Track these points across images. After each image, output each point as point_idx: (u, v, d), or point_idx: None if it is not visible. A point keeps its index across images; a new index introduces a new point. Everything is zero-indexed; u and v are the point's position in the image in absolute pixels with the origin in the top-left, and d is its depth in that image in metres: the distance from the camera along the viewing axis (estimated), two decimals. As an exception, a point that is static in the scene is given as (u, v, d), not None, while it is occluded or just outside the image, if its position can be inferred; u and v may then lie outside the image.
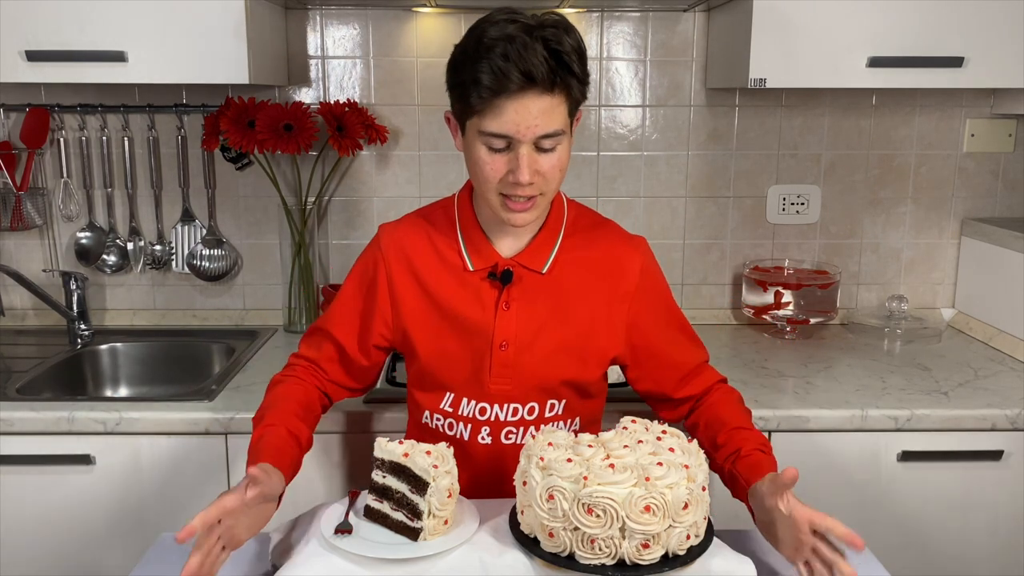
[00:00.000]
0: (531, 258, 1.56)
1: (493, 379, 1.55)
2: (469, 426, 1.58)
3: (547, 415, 1.59)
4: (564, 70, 1.36)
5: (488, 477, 1.58)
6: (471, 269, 1.56)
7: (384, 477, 1.36)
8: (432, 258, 1.59)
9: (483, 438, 1.58)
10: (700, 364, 1.68)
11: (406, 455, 1.34)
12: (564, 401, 1.60)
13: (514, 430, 1.58)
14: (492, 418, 1.57)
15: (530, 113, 1.36)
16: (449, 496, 1.33)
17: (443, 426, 1.61)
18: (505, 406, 1.57)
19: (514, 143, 1.39)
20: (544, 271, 1.56)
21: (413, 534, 1.33)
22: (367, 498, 1.39)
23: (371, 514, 1.38)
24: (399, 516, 1.35)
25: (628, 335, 1.62)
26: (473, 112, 1.39)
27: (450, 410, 1.60)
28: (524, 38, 1.33)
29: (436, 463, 1.32)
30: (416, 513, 1.32)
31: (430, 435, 1.63)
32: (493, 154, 1.41)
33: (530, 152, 1.40)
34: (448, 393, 1.59)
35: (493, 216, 1.52)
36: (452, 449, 1.38)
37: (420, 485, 1.32)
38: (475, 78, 1.35)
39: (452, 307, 1.56)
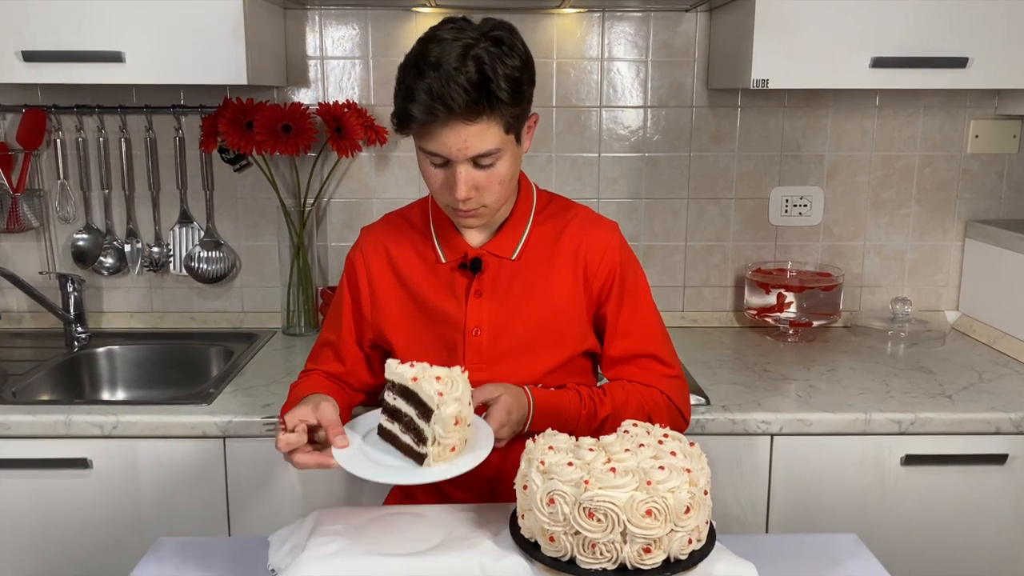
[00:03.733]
0: (500, 246, 1.63)
1: (468, 365, 1.57)
2: None
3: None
4: (489, 97, 1.41)
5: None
6: (443, 261, 1.63)
7: (395, 399, 1.38)
8: (410, 253, 1.66)
9: None
10: (654, 356, 1.67)
11: (415, 379, 1.35)
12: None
13: None
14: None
15: (459, 137, 1.43)
16: (456, 424, 1.33)
17: None
18: None
19: (450, 162, 1.47)
20: (514, 257, 1.62)
21: (419, 458, 1.35)
22: (380, 417, 1.41)
23: (384, 433, 1.41)
24: (407, 439, 1.36)
25: (598, 319, 1.67)
26: (412, 132, 1.47)
27: None
28: (450, 68, 1.38)
29: (442, 390, 1.32)
30: (422, 438, 1.33)
31: None
32: (435, 169, 1.50)
33: (467, 169, 1.47)
34: None
35: None
36: (467, 374, 1.39)
37: (425, 411, 1.33)
38: (406, 109, 1.43)
39: (427, 299, 1.63)
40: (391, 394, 1.39)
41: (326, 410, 1.41)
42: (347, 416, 1.62)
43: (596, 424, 1.57)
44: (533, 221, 1.65)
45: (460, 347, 1.61)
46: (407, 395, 1.36)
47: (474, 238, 1.64)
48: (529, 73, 1.49)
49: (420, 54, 1.43)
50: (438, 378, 1.34)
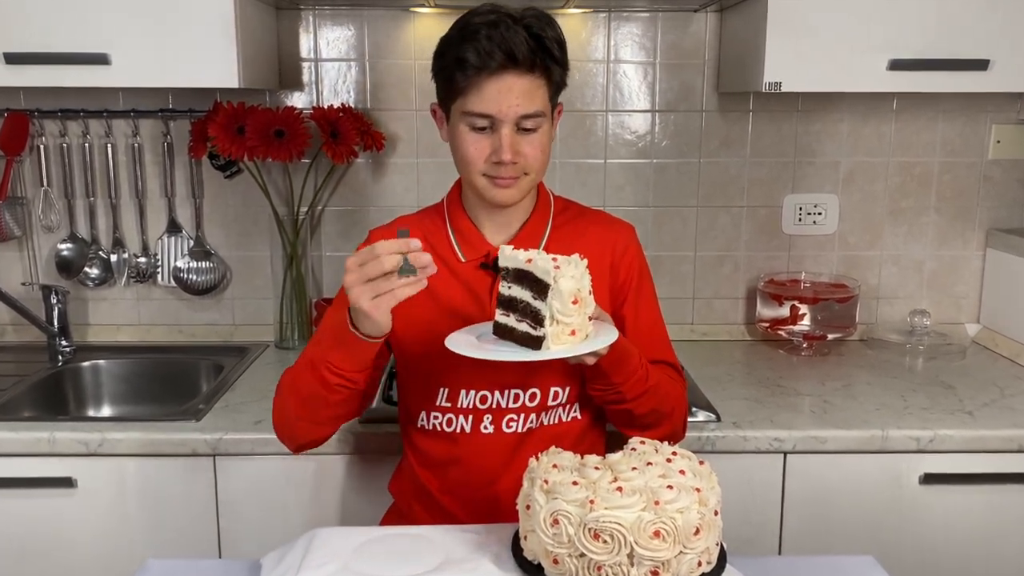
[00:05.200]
0: (522, 245, 1.62)
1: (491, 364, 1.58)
2: (471, 417, 1.63)
3: (549, 403, 1.63)
4: (544, 53, 1.50)
5: (490, 469, 1.63)
6: (463, 260, 1.64)
7: (509, 288, 1.39)
8: (427, 251, 1.63)
9: (485, 427, 1.63)
10: (671, 363, 1.73)
11: (529, 261, 1.36)
12: (568, 388, 1.64)
13: (515, 417, 1.62)
14: (494, 405, 1.62)
15: (511, 92, 1.48)
16: (575, 303, 1.34)
17: (441, 423, 1.65)
18: (506, 392, 1.62)
19: (496, 123, 1.51)
20: None
21: (537, 343, 1.35)
22: (495, 313, 1.41)
23: (499, 330, 1.41)
24: (523, 327, 1.37)
25: (615, 319, 1.67)
26: (457, 93, 1.52)
27: (447, 405, 1.64)
28: (507, 22, 1.47)
29: (559, 266, 1.33)
30: (539, 320, 1.34)
31: (427, 440, 1.67)
32: (477, 135, 1.53)
33: (511, 133, 1.51)
34: (442, 388, 1.63)
35: (482, 205, 1.62)
36: (586, 261, 1.39)
37: (542, 289, 1.34)
38: (460, 58, 1.48)
39: (443, 297, 1.63)
40: (505, 283, 1.40)
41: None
42: (359, 407, 1.61)
43: (644, 387, 1.57)
44: (553, 223, 1.69)
45: None
46: (522, 278, 1.37)
47: (495, 238, 1.66)
48: (565, 44, 1.55)
49: (464, 24, 1.50)
50: (554, 259, 1.35)
